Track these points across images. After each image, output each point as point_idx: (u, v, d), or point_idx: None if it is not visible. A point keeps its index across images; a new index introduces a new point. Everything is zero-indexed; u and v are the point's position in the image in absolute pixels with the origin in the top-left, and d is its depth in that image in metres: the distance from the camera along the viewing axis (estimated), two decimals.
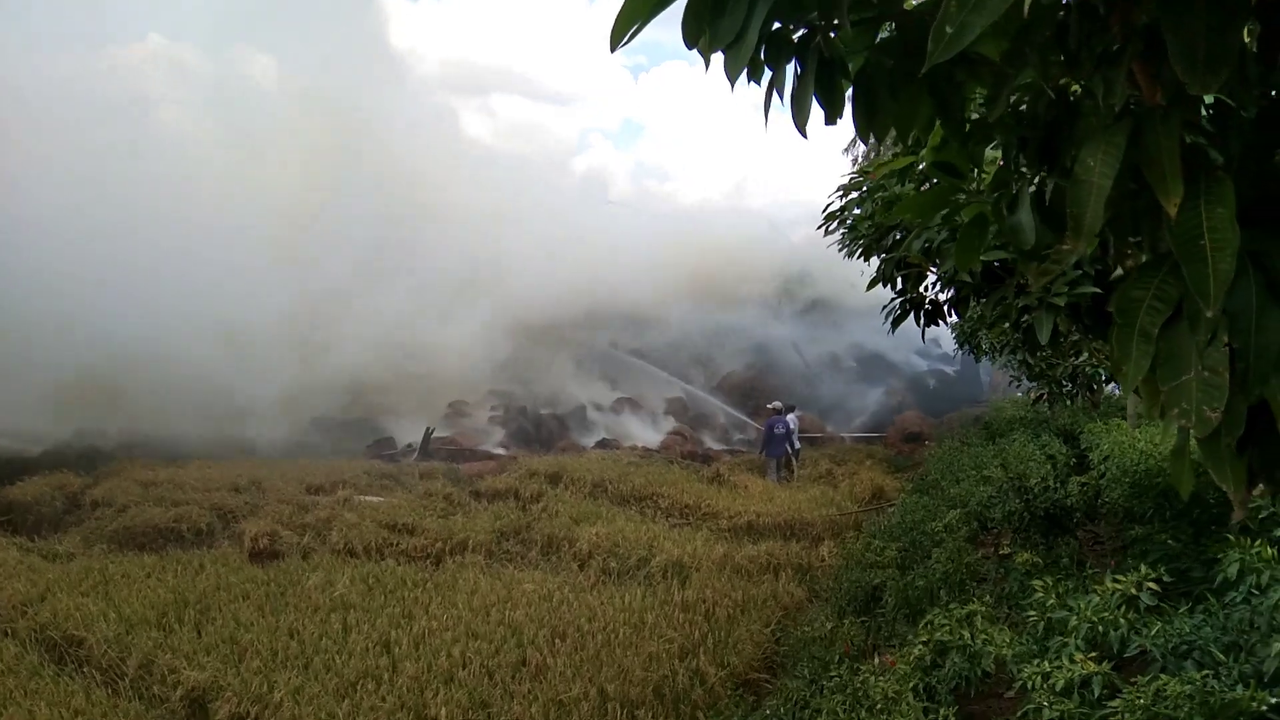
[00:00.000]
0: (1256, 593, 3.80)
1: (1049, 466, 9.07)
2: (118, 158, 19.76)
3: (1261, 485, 1.55)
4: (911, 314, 4.73)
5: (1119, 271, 1.88)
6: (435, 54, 70.08)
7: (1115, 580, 4.22)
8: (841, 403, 25.41)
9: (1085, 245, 1.41)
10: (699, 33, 1.48)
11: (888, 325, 4.86)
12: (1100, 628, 3.92)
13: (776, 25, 1.51)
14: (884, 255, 4.77)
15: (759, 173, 64.88)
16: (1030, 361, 10.74)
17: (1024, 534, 7.21)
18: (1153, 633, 3.79)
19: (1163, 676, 3.35)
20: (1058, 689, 3.59)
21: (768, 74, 1.56)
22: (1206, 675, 3.31)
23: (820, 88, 1.57)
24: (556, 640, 7.27)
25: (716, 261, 27.18)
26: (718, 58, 1.51)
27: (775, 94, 1.57)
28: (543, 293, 22.97)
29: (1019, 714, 3.67)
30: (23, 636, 7.78)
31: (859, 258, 5.05)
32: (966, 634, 4.66)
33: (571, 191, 31.43)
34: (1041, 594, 4.50)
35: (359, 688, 6.52)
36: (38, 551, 10.61)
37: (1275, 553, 3.88)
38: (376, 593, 8.66)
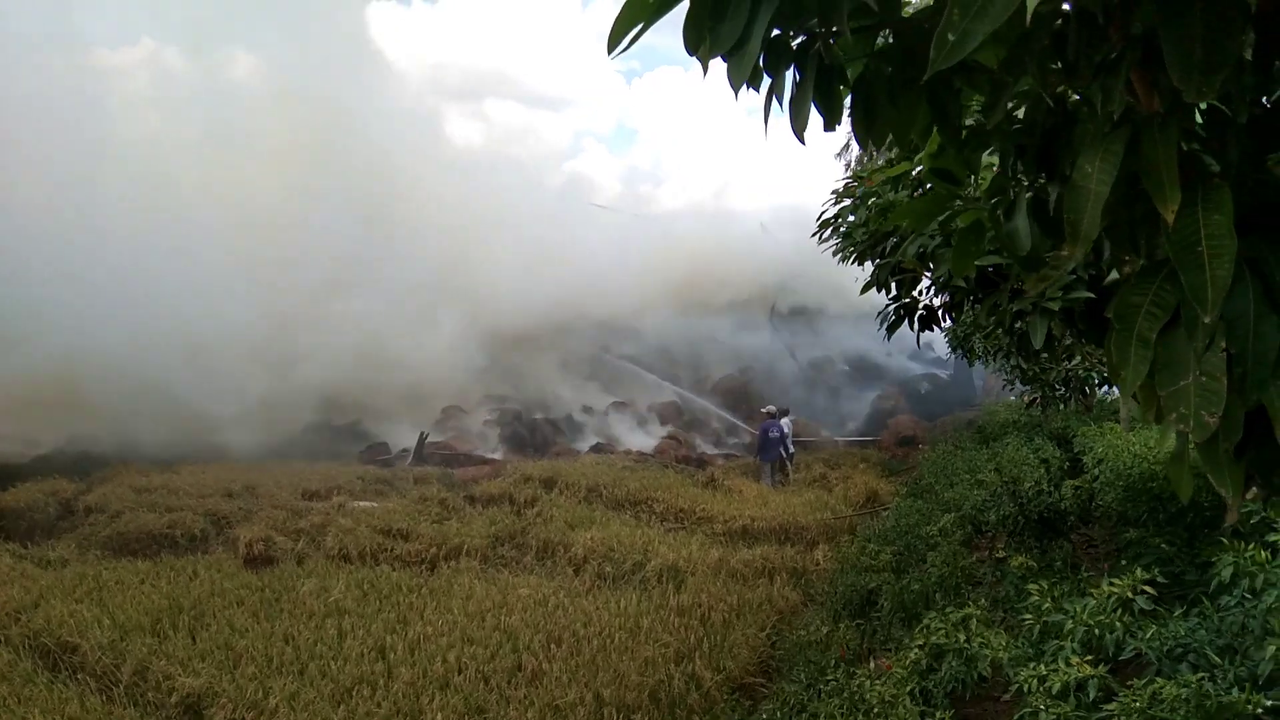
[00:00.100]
0: (1251, 596, 3.82)
1: (1043, 470, 9.12)
2: (93, 160, 19.55)
3: (1255, 489, 1.56)
4: (906, 319, 4.74)
5: (1113, 276, 1.90)
6: (429, 58, 69.74)
7: (1110, 583, 4.24)
8: (835, 407, 25.44)
9: (1083, 252, 1.42)
10: (700, 39, 1.49)
11: (883, 331, 4.87)
12: (1096, 631, 3.94)
13: (776, 32, 1.52)
14: (879, 260, 4.78)
15: (751, 176, 64.87)
16: (1024, 366, 10.77)
17: (1018, 537, 7.24)
18: (1148, 636, 3.81)
19: (1158, 679, 3.37)
20: (1054, 692, 3.61)
21: (766, 81, 1.57)
22: (1202, 678, 3.32)
23: (819, 94, 1.58)
24: (552, 645, 7.25)
25: (704, 265, 27.10)
26: (716, 64, 1.52)
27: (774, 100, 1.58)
28: (528, 297, 22.79)
29: (1015, 717, 3.69)
30: (16, 643, 7.71)
31: (853, 263, 5.06)
32: (962, 637, 4.68)
33: (556, 195, 31.20)
34: (1037, 597, 4.52)
35: (354, 693, 6.49)
36: (31, 558, 10.50)
37: (1269, 556, 3.90)
38: (371, 598, 8.62)
